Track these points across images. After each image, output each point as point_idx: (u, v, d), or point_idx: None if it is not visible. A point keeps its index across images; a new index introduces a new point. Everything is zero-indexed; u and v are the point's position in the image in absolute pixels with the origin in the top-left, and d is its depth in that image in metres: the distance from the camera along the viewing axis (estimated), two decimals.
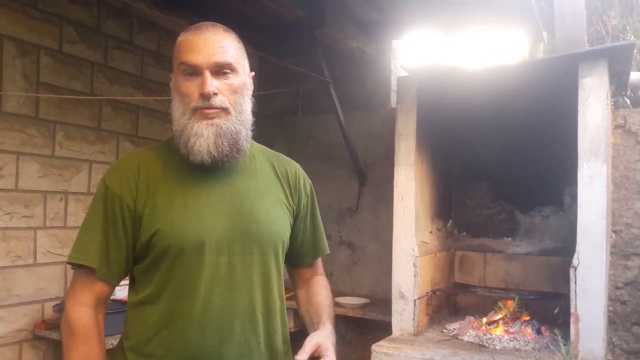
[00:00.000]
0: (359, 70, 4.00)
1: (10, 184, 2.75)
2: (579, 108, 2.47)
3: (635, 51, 3.20)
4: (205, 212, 1.26)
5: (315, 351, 1.23)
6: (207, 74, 1.23)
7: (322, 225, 1.56)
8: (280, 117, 4.33)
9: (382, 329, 3.11)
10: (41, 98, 2.85)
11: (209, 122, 1.23)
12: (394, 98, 3.87)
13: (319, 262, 1.59)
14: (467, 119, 3.29)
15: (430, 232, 3.21)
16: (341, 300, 3.61)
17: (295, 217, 1.44)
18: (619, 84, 2.99)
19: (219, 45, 1.25)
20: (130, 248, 1.27)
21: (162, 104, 3.58)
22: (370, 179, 3.90)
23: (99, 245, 1.25)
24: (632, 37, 4.06)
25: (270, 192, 1.38)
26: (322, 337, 1.27)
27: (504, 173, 3.36)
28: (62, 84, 2.96)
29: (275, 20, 3.48)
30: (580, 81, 2.47)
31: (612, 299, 3.04)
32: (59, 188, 2.97)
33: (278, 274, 1.36)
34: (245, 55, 1.34)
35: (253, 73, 1.37)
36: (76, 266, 1.28)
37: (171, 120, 1.30)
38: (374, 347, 2.66)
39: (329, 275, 3.98)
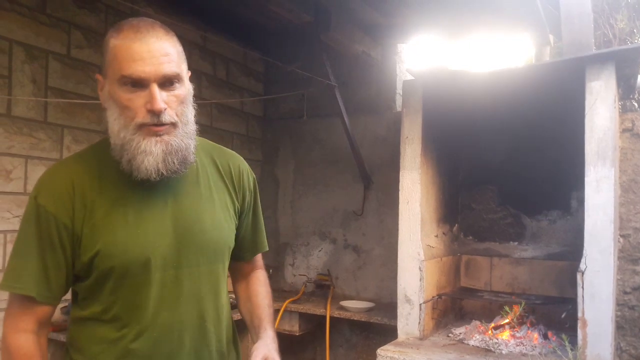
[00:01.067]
0: (364, 74, 4.01)
1: (19, 187, 2.77)
2: (586, 112, 2.46)
3: None
4: (149, 227, 1.20)
5: None
6: (155, 87, 1.13)
7: (263, 222, 1.52)
8: (286, 120, 4.34)
9: (388, 333, 3.11)
10: (49, 102, 2.88)
11: (158, 138, 1.15)
12: (399, 102, 3.87)
13: (259, 257, 1.55)
14: (473, 122, 3.28)
15: (436, 236, 3.20)
16: (346, 304, 3.61)
17: (239, 215, 1.40)
18: (626, 88, 2.97)
19: (164, 53, 1.15)
20: (70, 267, 1.20)
21: None
22: (376, 183, 3.90)
23: (36, 270, 1.17)
24: (639, 40, 4.04)
25: (214, 196, 1.32)
26: (267, 349, 1.27)
27: (510, 177, 3.35)
28: (70, 89, 2.98)
29: (282, 25, 3.50)
30: (588, 85, 2.46)
31: (620, 304, 3.02)
32: None
33: (225, 279, 1.35)
34: (184, 57, 1.24)
35: (190, 73, 1.27)
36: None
37: (107, 130, 1.20)
38: (379, 351, 2.66)
39: (335, 278, 3.98)
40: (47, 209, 1.17)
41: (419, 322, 2.85)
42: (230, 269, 1.45)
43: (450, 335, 2.97)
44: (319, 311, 3.60)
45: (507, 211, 3.41)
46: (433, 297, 2.99)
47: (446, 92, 2.99)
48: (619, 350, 2.99)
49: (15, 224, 2.75)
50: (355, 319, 3.51)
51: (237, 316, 1.48)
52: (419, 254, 2.87)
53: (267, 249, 1.54)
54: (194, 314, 1.26)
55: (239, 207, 1.39)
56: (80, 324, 1.24)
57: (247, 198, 1.41)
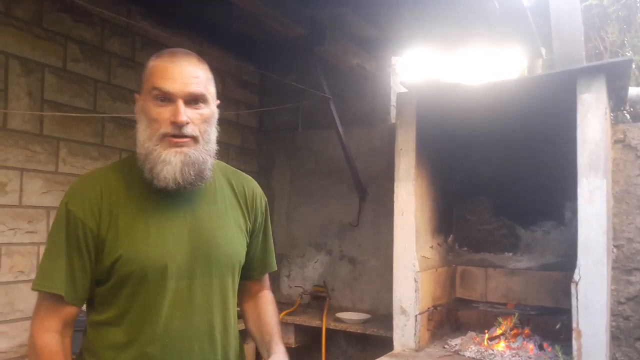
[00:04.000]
0: (359, 86, 4.04)
1: (14, 200, 2.77)
2: (578, 123, 2.48)
3: (633, 66, 3.23)
4: (167, 238, 1.28)
5: None
6: (181, 102, 1.25)
7: (272, 243, 1.60)
8: (281, 132, 4.35)
9: (384, 345, 3.10)
10: (45, 115, 2.89)
11: (178, 149, 1.25)
12: (393, 114, 3.89)
13: (266, 277, 1.62)
14: (466, 134, 3.31)
15: (431, 247, 3.21)
16: (342, 315, 3.61)
17: (250, 235, 1.48)
18: (617, 99, 3.01)
19: (193, 75, 1.27)
20: (94, 271, 1.28)
21: None
22: (371, 194, 3.91)
23: (64, 271, 1.25)
24: (630, 52, 4.10)
25: (229, 214, 1.41)
26: None
27: (505, 188, 3.37)
28: (66, 102, 2.99)
29: (277, 38, 3.53)
30: (579, 97, 2.49)
31: (614, 314, 3.03)
32: None
33: (234, 294, 1.42)
34: (214, 84, 1.37)
35: (219, 101, 1.39)
36: (42, 292, 1.27)
37: (136, 142, 1.31)
38: None
39: (331, 290, 3.98)
40: (75, 215, 1.25)
41: (415, 334, 2.85)
42: (239, 288, 1.51)
43: (446, 346, 2.97)
44: (314, 323, 3.60)
45: (501, 222, 3.42)
46: (428, 308, 2.99)
47: (440, 105, 3.02)
48: None
49: (11, 237, 2.75)
50: (351, 330, 3.50)
51: (241, 326, 1.52)
52: (414, 265, 2.88)
53: (276, 268, 1.61)
54: (204, 323, 1.31)
55: (251, 227, 1.47)
56: (96, 328, 1.30)
57: (259, 219, 1.50)
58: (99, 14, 3.12)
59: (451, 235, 3.55)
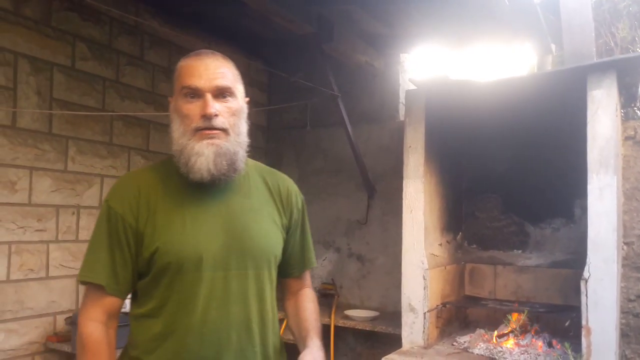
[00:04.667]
0: (367, 83, 4.03)
1: (24, 199, 2.79)
2: (588, 120, 2.46)
3: None
4: (203, 230, 1.33)
5: None
6: (209, 96, 1.31)
7: (311, 240, 1.63)
8: (290, 130, 4.35)
9: (392, 342, 3.10)
10: (54, 114, 2.90)
11: (210, 141, 1.31)
12: (402, 111, 3.88)
13: (307, 275, 1.65)
14: (475, 131, 3.29)
15: (440, 245, 3.20)
16: (350, 313, 3.61)
17: (286, 232, 1.51)
18: (628, 96, 2.99)
19: (219, 70, 1.34)
20: (135, 264, 1.34)
21: None
22: (379, 192, 3.90)
23: (106, 263, 1.32)
24: None
25: (263, 209, 1.45)
26: (313, 357, 1.34)
27: (514, 185, 3.35)
28: (75, 100, 3.01)
29: (285, 36, 3.53)
30: (589, 93, 2.47)
31: (624, 312, 3.01)
32: (71, 202, 3.01)
33: (271, 286, 1.43)
34: (241, 82, 1.43)
35: (248, 98, 1.45)
36: (86, 284, 1.34)
37: (171, 141, 1.37)
38: (383, 359, 2.66)
39: (339, 287, 3.98)
40: (116, 211, 1.33)
41: (423, 331, 2.84)
42: (280, 286, 1.56)
43: (454, 343, 2.96)
44: (323, 320, 3.58)
45: (510, 219, 3.40)
46: (437, 305, 2.98)
47: (449, 102, 3.00)
48: (623, 358, 2.98)
49: (20, 235, 2.78)
50: (360, 328, 3.50)
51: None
52: (423, 263, 2.87)
53: (315, 264, 1.66)
54: (240, 314, 1.35)
55: (286, 224, 1.51)
56: (138, 321, 1.36)
57: (295, 216, 1.54)
58: (108, 12, 3.13)
59: (460, 233, 3.54)
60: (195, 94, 1.31)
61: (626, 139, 3.09)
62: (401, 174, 3.01)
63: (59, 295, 2.94)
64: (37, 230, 2.85)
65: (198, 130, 1.31)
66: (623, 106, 3.16)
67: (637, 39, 4.13)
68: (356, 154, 3.74)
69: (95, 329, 1.30)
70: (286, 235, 1.50)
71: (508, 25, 3.11)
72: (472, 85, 2.84)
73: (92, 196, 3.11)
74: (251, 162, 1.49)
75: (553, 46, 3.41)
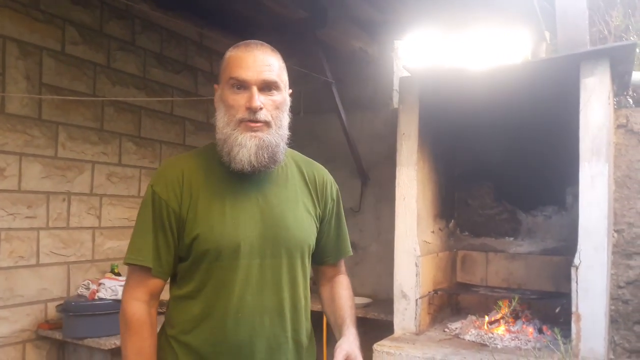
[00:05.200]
0: (361, 70, 4.00)
1: (14, 185, 2.76)
2: (581, 108, 2.47)
3: (637, 51, 3.20)
4: (241, 219, 1.37)
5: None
6: (255, 89, 1.34)
7: (347, 229, 1.65)
8: None
9: (384, 329, 3.12)
10: (44, 99, 2.87)
11: (253, 134, 1.34)
12: (396, 98, 3.87)
13: (342, 263, 1.68)
14: (469, 119, 3.29)
15: (432, 232, 3.21)
16: None
17: (321, 221, 1.55)
18: (621, 84, 2.98)
19: (267, 63, 1.37)
20: (176, 248, 1.39)
21: (165, 105, 3.59)
22: (373, 179, 3.90)
23: (151, 246, 1.36)
24: (634, 37, 4.06)
25: (299, 199, 1.49)
26: (349, 346, 1.39)
27: (506, 173, 3.36)
28: (65, 85, 2.97)
29: (277, 21, 3.49)
30: (582, 81, 2.47)
31: (614, 298, 3.04)
32: (61, 189, 2.98)
33: (304, 275, 1.47)
34: (286, 73, 1.46)
35: (291, 90, 1.48)
36: (132, 265, 1.39)
37: (214, 129, 1.40)
38: (375, 346, 2.67)
39: None
40: (160, 196, 1.37)
41: (415, 318, 2.86)
42: (315, 272, 1.62)
43: (446, 330, 2.98)
44: (316, 307, 3.59)
45: (502, 207, 3.42)
46: (429, 292, 3.00)
47: (442, 89, 2.99)
48: (612, 344, 3.01)
49: (10, 222, 2.75)
50: None
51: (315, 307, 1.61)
52: (415, 250, 2.88)
53: (351, 253, 1.67)
54: (274, 300, 1.39)
55: (321, 213, 1.54)
56: (176, 302, 1.41)
57: (329, 205, 1.57)
58: None
59: (452, 220, 3.55)
60: (242, 85, 1.34)
61: (618, 127, 3.10)
62: (394, 161, 3.01)
63: (49, 282, 2.93)
64: (27, 217, 2.82)
65: (242, 121, 1.34)
66: (615, 94, 3.16)
67: (630, 27, 4.13)
68: (350, 141, 3.73)
69: (139, 308, 1.36)
70: (320, 224, 1.54)
71: (502, 11, 3.10)
72: (466, 73, 2.83)
73: (82, 183, 3.09)
74: (289, 151, 1.54)
75: (547, 34, 3.40)
